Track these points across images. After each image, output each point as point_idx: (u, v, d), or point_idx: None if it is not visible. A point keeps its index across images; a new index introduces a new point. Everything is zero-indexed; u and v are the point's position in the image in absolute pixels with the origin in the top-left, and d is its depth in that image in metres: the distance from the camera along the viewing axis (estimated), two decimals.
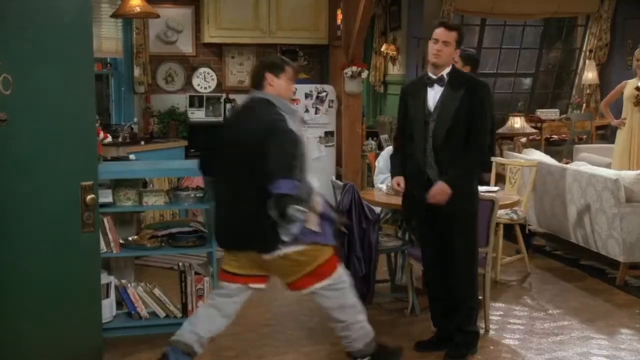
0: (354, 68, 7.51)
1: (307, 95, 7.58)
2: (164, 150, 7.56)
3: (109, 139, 4.68)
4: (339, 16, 7.92)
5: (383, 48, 10.92)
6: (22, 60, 3.20)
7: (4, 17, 3.13)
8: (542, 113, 9.89)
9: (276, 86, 3.69)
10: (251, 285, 3.74)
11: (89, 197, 3.41)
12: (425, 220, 4.23)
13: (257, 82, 3.72)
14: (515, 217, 5.98)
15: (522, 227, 6.22)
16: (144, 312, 4.52)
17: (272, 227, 3.46)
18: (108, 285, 4.47)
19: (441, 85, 4.07)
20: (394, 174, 4.34)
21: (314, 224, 3.57)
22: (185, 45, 8.27)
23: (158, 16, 7.37)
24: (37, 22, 3.23)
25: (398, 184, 4.25)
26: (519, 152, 8.22)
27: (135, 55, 7.77)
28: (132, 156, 6.36)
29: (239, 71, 8.43)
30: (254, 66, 3.81)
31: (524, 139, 8.94)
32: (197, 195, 4.60)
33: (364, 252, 4.73)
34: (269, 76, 3.68)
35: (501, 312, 5.12)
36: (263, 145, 3.46)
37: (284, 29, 8.12)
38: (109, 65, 7.81)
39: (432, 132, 4.06)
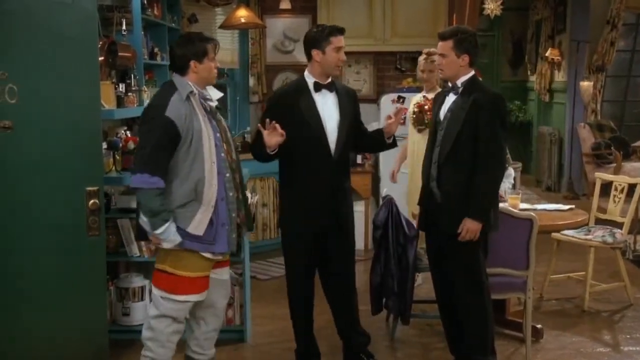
0: None
1: None
2: None
3: None
4: (454, 22, 7.56)
5: (548, 53, 10.30)
6: (28, 71, 3.32)
7: (9, 29, 3.27)
8: None
9: (200, 71, 3.59)
10: None
11: (91, 201, 3.53)
12: (430, 241, 3.93)
13: (181, 69, 3.59)
14: (610, 240, 5.32)
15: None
16: None
17: None
18: (143, 288, 4.61)
19: (455, 94, 3.80)
20: None
21: (197, 227, 3.51)
22: (302, 55, 8.22)
23: (264, 27, 7.48)
24: (42, 34, 3.35)
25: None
26: None
27: (250, 65, 7.95)
28: None
29: (355, 80, 8.29)
30: (178, 52, 3.62)
31: None
32: None
33: (401, 269, 4.46)
34: (193, 63, 3.56)
35: (561, 345, 4.61)
36: None
37: (398, 35, 7.84)
38: (225, 75, 8.04)
39: (440, 142, 3.77)
